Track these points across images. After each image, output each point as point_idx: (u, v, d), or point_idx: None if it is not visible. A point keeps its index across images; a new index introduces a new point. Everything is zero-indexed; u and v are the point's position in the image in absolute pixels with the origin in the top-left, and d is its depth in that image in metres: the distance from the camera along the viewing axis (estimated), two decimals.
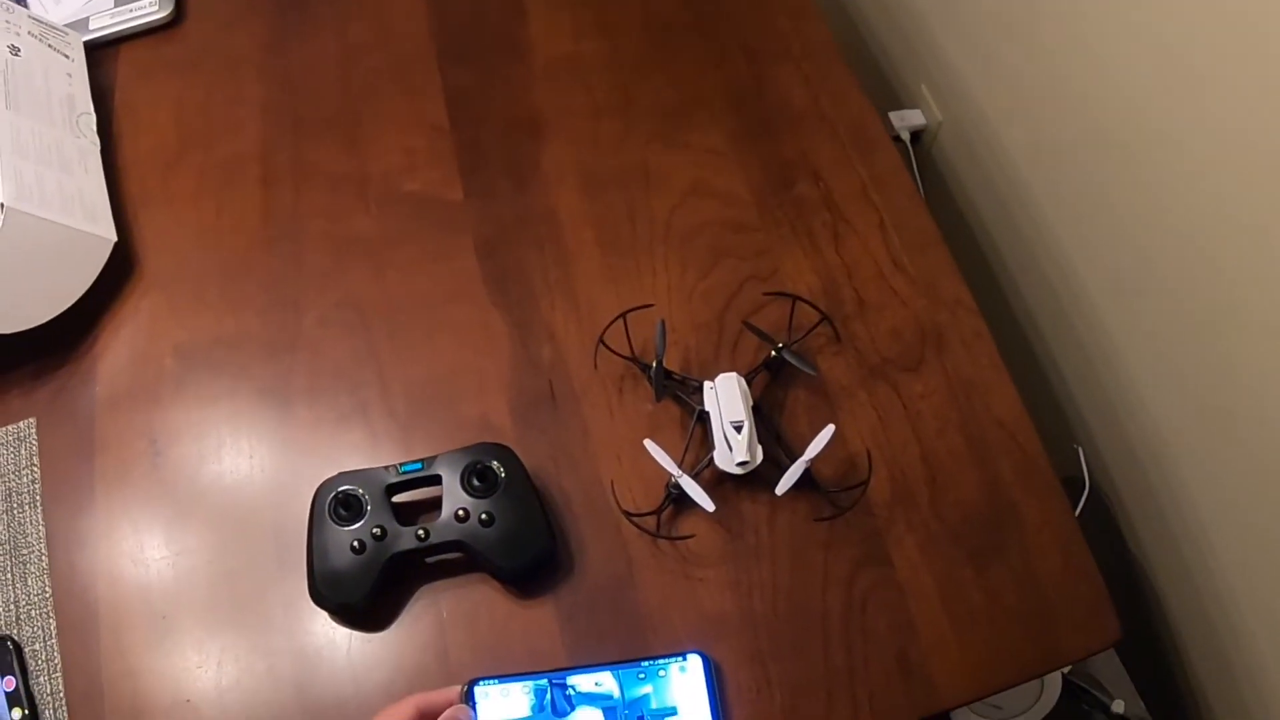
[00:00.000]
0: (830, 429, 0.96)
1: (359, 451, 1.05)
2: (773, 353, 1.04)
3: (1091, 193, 1.21)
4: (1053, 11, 1.19)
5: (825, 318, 1.09)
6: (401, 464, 0.97)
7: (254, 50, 1.35)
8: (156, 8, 1.37)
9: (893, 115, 1.64)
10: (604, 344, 1.08)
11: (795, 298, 1.09)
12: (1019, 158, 1.37)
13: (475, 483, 0.95)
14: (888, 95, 1.75)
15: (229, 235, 1.19)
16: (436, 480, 0.96)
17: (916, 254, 1.15)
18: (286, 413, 1.08)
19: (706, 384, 1.02)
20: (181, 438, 1.07)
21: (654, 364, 1.02)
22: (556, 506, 1.01)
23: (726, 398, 0.99)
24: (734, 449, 0.96)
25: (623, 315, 1.07)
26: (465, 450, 0.97)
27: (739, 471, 0.97)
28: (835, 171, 1.20)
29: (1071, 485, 1.37)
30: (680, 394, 1.05)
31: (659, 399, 1.04)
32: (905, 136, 1.64)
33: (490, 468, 0.96)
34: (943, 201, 1.64)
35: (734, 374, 1.01)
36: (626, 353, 1.07)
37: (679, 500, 0.99)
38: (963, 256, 1.57)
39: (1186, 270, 1.07)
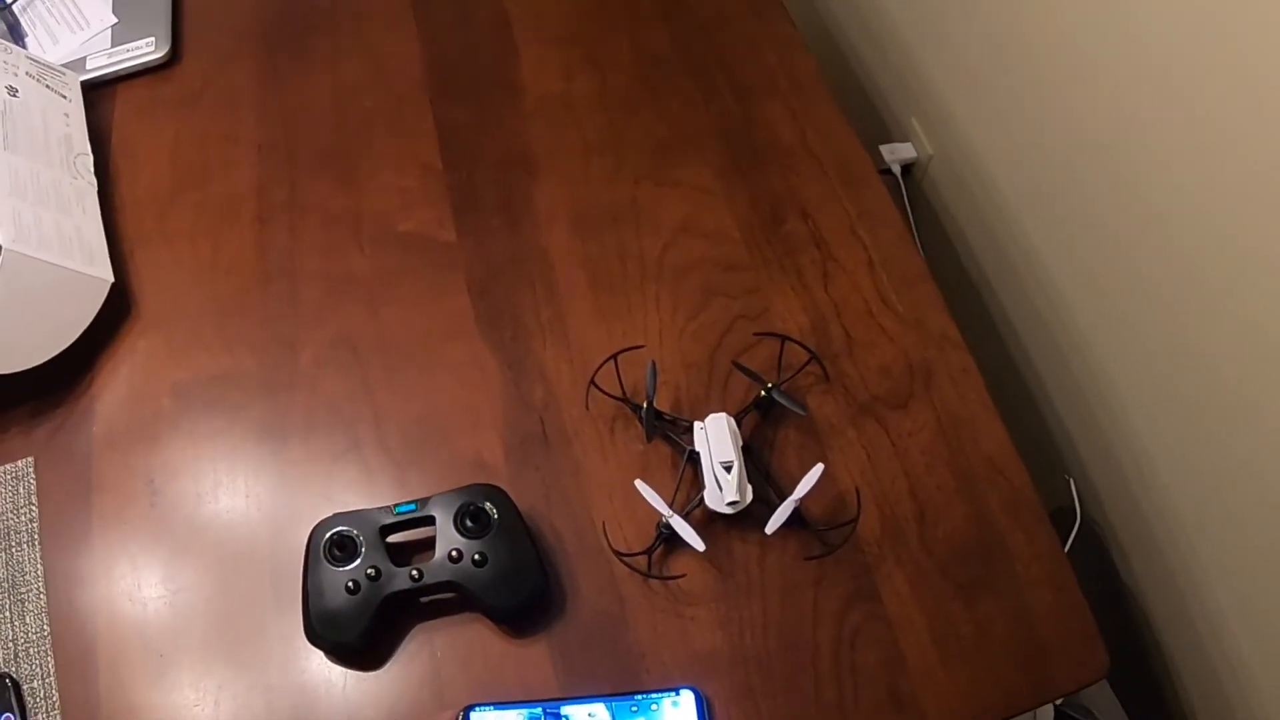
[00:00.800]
0: (819, 468, 0.97)
1: (354, 489, 1.06)
2: (762, 393, 1.05)
3: (1082, 224, 1.22)
4: (1043, 44, 1.20)
5: (814, 357, 1.10)
6: (396, 505, 0.98)
7: (250, 89, 1.36)
8: (153, 48, 1.38)
9: (883, 148, 1.65)
10: (595, 385, 1.09)
11: (784, 338, 1.11)
12: (1009, 190, 1.38)
13: (468, 524, 0.96)
14: (878, 128, 1.76)
15: (225, 274, 1.20)
16: (430, 521, 0.97)
17: (904, 290, 1.16)
18: (282, 451, 1.09)
19: (697, 424, 1.03)
20: (179, 476, 1.08)
21: (645, 405, 1.03)
22: (549, 546, 1.02)
23: (716, 438, 1.00)
24: (724, 489, 0.97)
25: (614, 356, 1.09)
26: (459, 491, 0.98)
27: (729, 511, 0.98)
28: (823, 208, 1.22)
29: (1063, 516, 1.38)
30: (671, 434, 1.05)
31: (649, 439, 1.05)
32: (896, 169, 1.65)
33: (483, 509, 0.97)
34: (934, 234, 1.65)
35: (724, 414, 1.02)
36: (618, 393, 1.08)
37: (670, 539, 0.99)
38: (954, 288, 1.58)
39: (1179, 300, 1.08)
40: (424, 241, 1.21)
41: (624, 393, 1.08)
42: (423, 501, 0.98)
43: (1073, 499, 1.39)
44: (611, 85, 1.33)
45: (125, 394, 1.13)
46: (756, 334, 1.12)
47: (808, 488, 0.97)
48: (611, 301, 1.15)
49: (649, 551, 1.00)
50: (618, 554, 1.00)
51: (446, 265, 1.19)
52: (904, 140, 1.67)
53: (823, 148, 1.27)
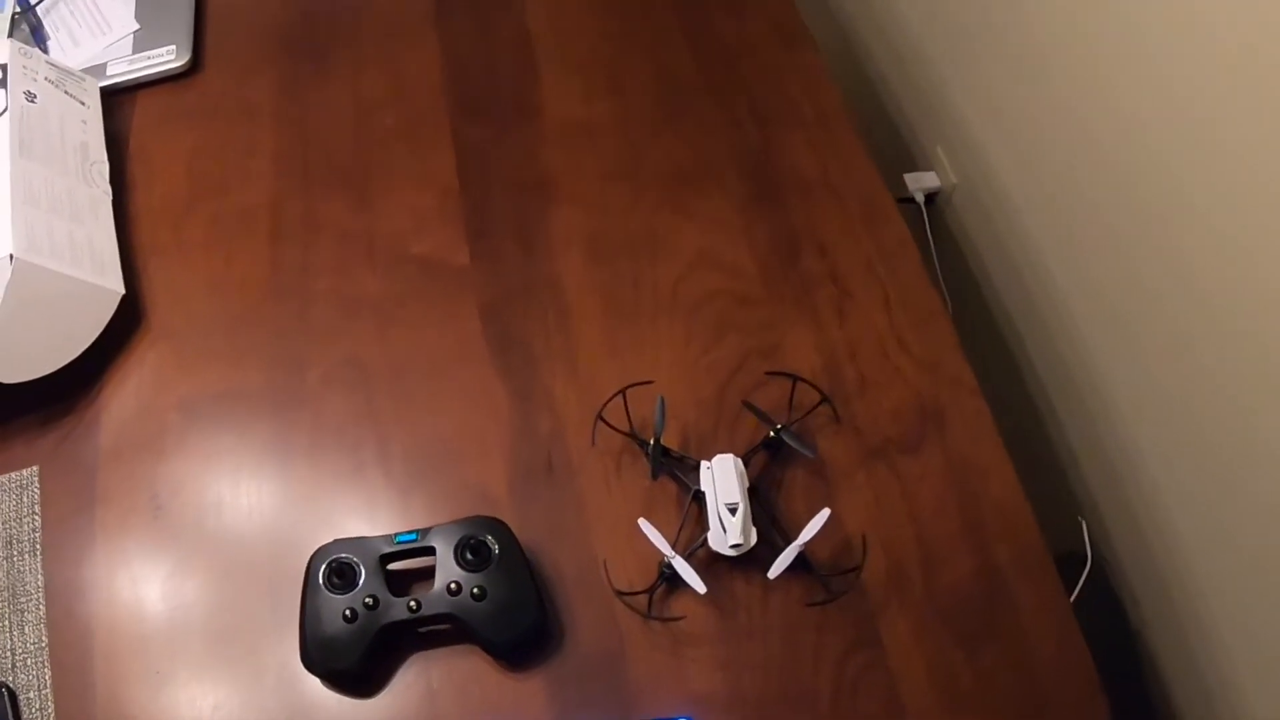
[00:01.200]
0: (825, 513, 0.96)
1: (356, 513, 1.05)
2: (771, 434, 1.04)
3: (1105, 260, 1.21)
4: (1070, 75, 1.19)
5: (825, 398, 1.09)
6: (397, 534, 0.97)
7: (269, 100, 1.36)
8: (174, 56, 1.38)
9: (907, 177, 1.64)
10: (603, 419, 1.08)
11: (796, 378, 1.09)
12: (1033, 222, 1.37)
13: (469, 556, 0.95)
14: (903, 156, 1.75)
15: (237, 288, 1.20)
16: (431, 551, 0.96)
17: (920, 330, 1.14)
18: (287, 470, 1.08)
19: (704, 464, 1.02)
20: (183, 491, 1.07)
21: (652, 441, 1.02)
22: (549, 580, 1.01)
23: (723, 479, 0.99)
24: (728, 531, 0.96)
25: (622, 391, 1.08)
26: (460, 523, 0.98)
27: (733, 554, 0.97)
28: (841, 244, 1.21)
29: (1074, 559, 1.37)
30: (677, 472, 1.04)
31: (655, 477, 1.04)
32: (919, 198, 1.64)
33: (484, 542, 0.96)
34: (955, 264, 1.64)
35: (731, 455, 1.01)
36: (625, 428, 1.07)
37: (671, 580, 0.98)
38: (974, 318, 1.57)
39: (1204, 343, 1.06)
40: (437, 264, 1.20)
41: (631, 428, 1.07)
42: (424, 532, 0.97)
43: (1084, 542, 1.38)
44: (632, 110, 1.33)
45: (133, 406, 1.13)
46: (768, 372, 1.11)
47: (813, 532, 0.95)
48: (624, 332, 1.14)
49: (650, 591, 0.99)
50: (618, 593, 0.99)
51: (458, 289, 1.18)
52: (928, 168, 1.66)
53: (844, 182, 1.26)
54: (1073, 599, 1.03)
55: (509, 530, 0.98)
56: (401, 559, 0.98)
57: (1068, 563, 1.36)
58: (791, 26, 1.43)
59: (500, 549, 0.96)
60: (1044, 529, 1.05)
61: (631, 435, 1.06)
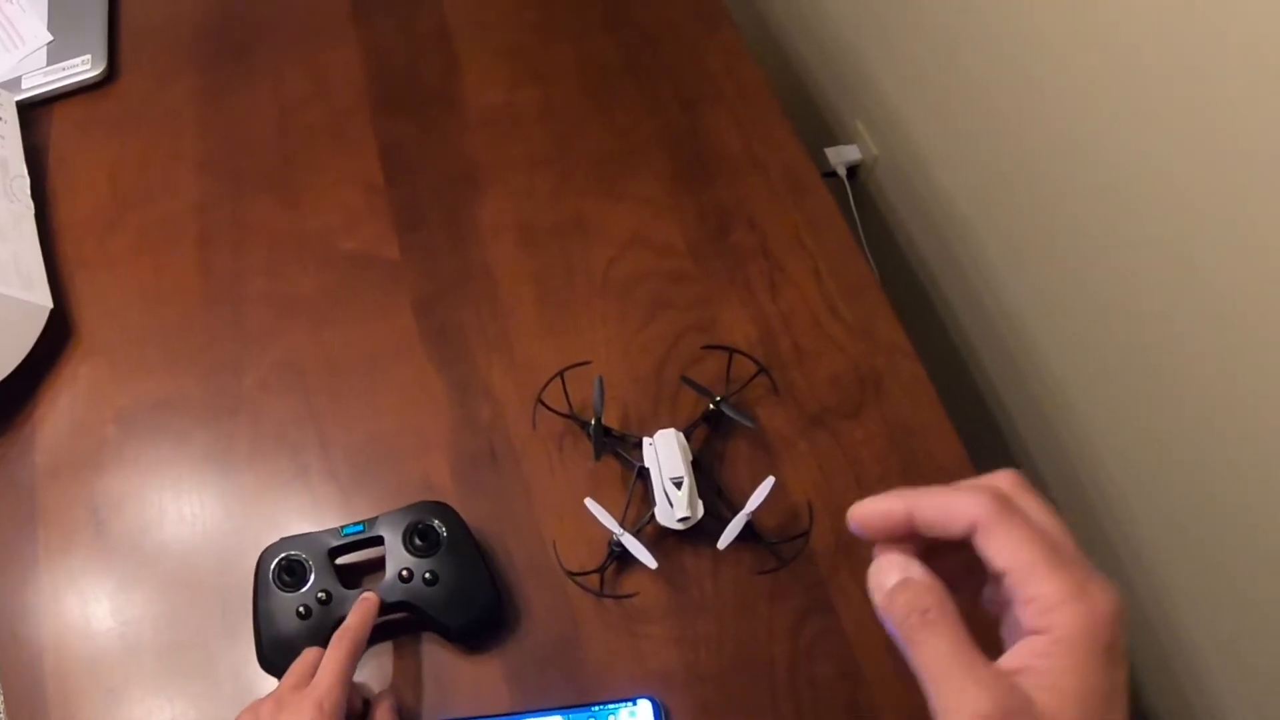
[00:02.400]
0: (770, 481, 0.97)
1: (301, 514, 1.05)
2: (710, 406, 1.04)
3: (1028, 220, 1.22)
4: (983, 44, 1.20)
5: (762, 369, 1.09)
6: (343, 526, 0.97)
7: (190, 105, 1.35)
8: (89, 65, 1.36)
9: (829, 151, 1.65)
10: (543, 403, 1.08)
11: (732, 350, 1.10)
12: (955, 190, 1.39)
13: (417, 542, 0.95)
14: (824, 132, 1.76)
15: (168, 297, 1.19)
16: (379, 541, 0.96)
17: (852, 299, 1.15)
18: (229, 478, 1.07)
19: (646, 440, 1.02)
20: (125, 506, 1.07)
21: (593, 422, 1.02)
22: (500, 565, 1.01)
23: (666, 454, 0.99)
24: (674, 505, 0.96)
25: (560, 374, 1.08)
26: (406, 510, 0.98)
27: (680, 527, 0.97)
28: (770, 218, 1.21)
29: None
30: (620, 451, 1.05)
31: (598, 457, 1.04)
32: (842, 172, 1.65)
33: (432, 526, 0.96)
34: (881, 236, 1.65)
35: (673, 430, 1.02)
36: (565, 411, 1.07)
37: (622, 558, 0.98)
38: (903, 289, 1.59)
39: (1127, 298, 1.08)
40: (368, 260, 1.20)
41: (571, 410, 1.07)
42: (370, 522, 0.97)
43: None
44: (556, 97, 1.33)
45: (68, 422, 1.12)
46: (704, 347, 1.12)
47: (759, 501, 0.96)
48: (558, 317, 1.15)
49: (601, 570, 0.99)
50: (570, 574, 0.99)
51: (391, 284, 1.18)
52: (850, 142, 1.67)
53: (769, 157, 1.27)
54: None
55: (455, 513, 0.98)
56: (350, 552, 0.97)
57: None
58: (710, 8, 1.43)
59: (448, 532, 0.96)
60: None
61: (572, 417, 1.06)
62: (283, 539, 0.97)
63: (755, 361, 1.10)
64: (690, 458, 1.01)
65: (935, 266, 1.52)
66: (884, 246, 1.64)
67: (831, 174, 1.65)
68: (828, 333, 1.13)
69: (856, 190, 1.68)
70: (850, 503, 1.01)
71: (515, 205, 1.23)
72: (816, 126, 1.78)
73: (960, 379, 1.52)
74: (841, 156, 1.65)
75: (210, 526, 1.05)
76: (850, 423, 1.08)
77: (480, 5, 1.43)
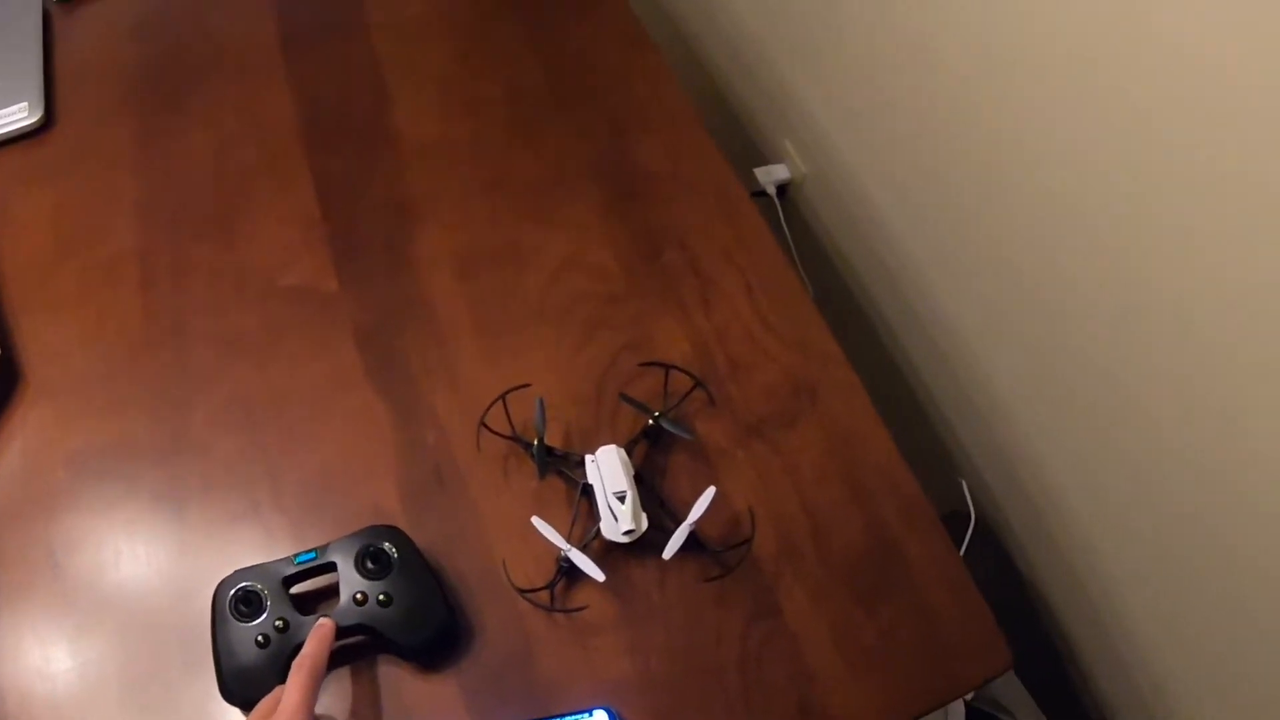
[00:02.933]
0: (711, 491, 0.99)
1: (255, 548, 1.06)
2: (649, 422, 1.07)
3: (954, 230, 1.25)
4: (902, 61, 1.23)
5: (698, 383, 1.12)
6: (296, 555, 0.99)
7: (127, 149, 1.36)
8: (26, 114, 1.37)
9: (758, 171, 1.68)
10: (485, 426, 1.10)
11: (668, 366, 1.13)
12: (883, 203, 1.42)
13: (369, 565, 0.97)
14: (752, 152, 1.79)
15: (113, 339, 1.20)
16: (332, 568, 0.98)
17: (784, 312, 1.19)
18: (181, 516, 1.08)
19: (588, 457, 1.05)
20: (80, 547, 1.07)
21: (535, 442, 1.04)
22: (452, 585, 1.03)
23: (608, 469, 1.02)
24: (619, 519, 0.99)
25: (502, 397, 1.10)
26: (356, 535, 1.00)
27: (626, 540, 1.00)
28: (700, 236, 1.24)
29: (959, 518, 1.42)
30: (563, 469, 1.07)
31: (542, 476, 1.07)
32: (772, 191, 1.67)
33: (383, 549, 0.98)
34: (813, 251, 1.68)
35: (614, 446, 1.05)
36: (508, 433, 1.09)
37: (570, 573, 1.01)
38: (837, 303, 1.61)
39: (1053, 299, 1.11)
40: (308, 294, 1.21)
41: (514, 431, 1.09)
42: (322, 549, 0.99)
43: (966, 502, 1.42)
44: (487, 127, 1.35)
45: (19, 466, 1.12)
46: (641, 364, 1.14)
47: (701, 511, 0.99)
48: (497, 341, 1.17)
49: (551, 586, 1.01)
50: (520, 591, 1.01)
51: (332, 316, 1.20)
52: (778, 161, 1.70)
53: (697, 177, 1.30)
54: (961, 554, 1.07)
55: (404, 534, 1.00)
56: (304, 579, 0.99)
57: (953, 522, 1.40)
58: (633, 34, 1.47)
59: (399, 553, 0.98)
60: (927, 492, 1.09)
61: (515, 438, 1.09)
62: (237, 571, 0.99)
63: (691, 376, 1.13)
64: (632, 472, 1.04)
65: (868, 277, 1.55)
66: (818, 261, 1.67)
67: (761, 193, 1.68)
68: (761, 345, 1.16)
69: (788, 208, 1.70)
70: (791, 509, 1.05)
71: (451, 235, 1.25)
72: (746, 147, 1.81)
73: (897, 384, 1.55)
74: (771, 176, 1.68)
75: (165, 564, 1.06)
76: (787, 431, 1.11)
77: (408, 39, 1.46)
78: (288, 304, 1.21)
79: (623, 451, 1.05)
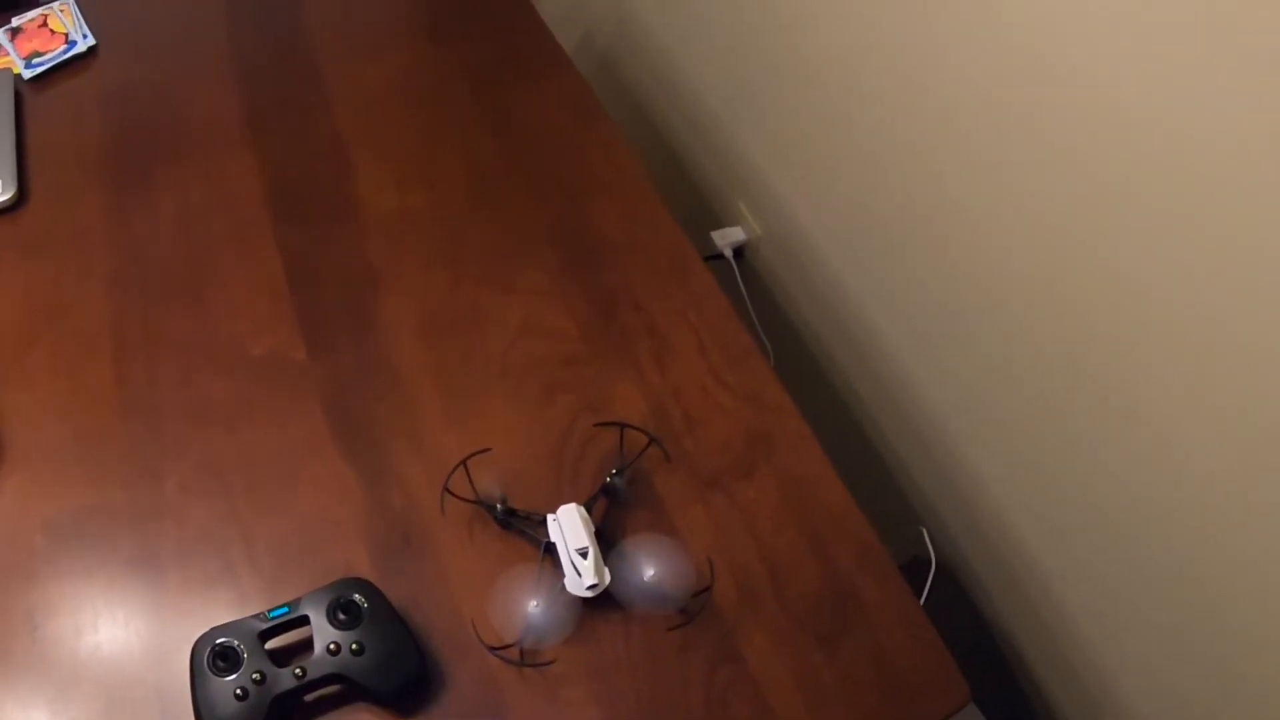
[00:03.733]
0: (669, 543, 1.04)
1: (230, 609, 1.08)
2: (607, 480, 1.11)
3: (905, 283, 1.30)
4: (850, 124, 1.28)
5: (653, 440, 1.17)
6: (270, 610, 1.02)
7: (99, 224, 1.39)
8: (0, 189, 1.40)
9: (715, 234, 1.73)
10: (449, 491, 1.14)
11: (623, 425, 1.17)
12: (836, 260, 1.46)
13: (341, 616, 1.00)
14: (709, 215, 1.83)
15: (87, 409, 1.22)
16: (305, 621, 1.01)
17: (736, 368, 1.23)
18: (157, 580, 1.11)
19: (549, 517, 1.09)
20: (58, 612, 1.09)
21: (497, 505, 1.10)
22: (423, 641, 1.06)
23: (569, 527, 1.06)
24: (582, 574, 1.03)
25: (463, 462, 1.15)
26: (328, 588, 1.03)
27: (590, 594, 1.04)
28: (654, 298, 1.29)
29: (921, 564, 1.45)
30: (526, 529, 1.11)
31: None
32: (728, 253, 1.72)
33: (353, 600, 1.01)
34: (771, 308, 1.72)
35: (574, 505, 1.08)
36: (471, 497, 1.13)
37: (538, 628, 1.05)
38: (795, 358, 1.65)
39: (1005, 350, 1.16)
40: (277, 363, 1.24)
41: (477, 495, 1.13)
42: (295, 603, 1.02)
43: (927, 548, 1.46)
44: (446, 198, 1.40)
45: None
46: (597, 424, 1.18)
47: (662, 564, 1.04)
48: (460, 405, 1.20)
49: (520, 643, 1.05)
50: (490, 648, 1.05)
51: (300, 384, 1.23)
52: (734, 224, 1.74)
53: (650, 241, 1.35)
54: (923, 600, 1.11)
55: (373, 586, 1.04)
56: (279, 633, 1.02)
57: (915, 567, 1.44)
58: (586, 104, 1.52)
59: (369, 603, 1.02)
60: (889, 538, 1.13)
61: (478, 502, 1.13)
62: (213, 628, 1.01)
63: (646, 433, 1.17)
64: (593, 529, 1.07)
65: (824, 332, 1.59)
66: (776, 318, 1.71)
67: (719, 256, 1.72)
68: (715, 401, 1.20)
69: (745, 267, 1.75)
70: (749, 557, 1.08)
71: (413, 303, 1.29)
72: (703, 209, 1.86)
73: (856, 435, 1.59)
74: (727, 238, 1.73)
75: (143, 626, 1.08)
76: (743, 482, 1.15)
77: (369, 112, 1.51)
78: (257, 373, 1.24)
79: (582, 509, 1.08)
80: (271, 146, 1.47)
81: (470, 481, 1.14)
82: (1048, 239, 1.05)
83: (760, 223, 1.68)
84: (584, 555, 1.04)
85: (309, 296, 1.30)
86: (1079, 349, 1.06)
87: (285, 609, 1.02)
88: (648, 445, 1.17)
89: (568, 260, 1.33)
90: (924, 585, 1.38)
